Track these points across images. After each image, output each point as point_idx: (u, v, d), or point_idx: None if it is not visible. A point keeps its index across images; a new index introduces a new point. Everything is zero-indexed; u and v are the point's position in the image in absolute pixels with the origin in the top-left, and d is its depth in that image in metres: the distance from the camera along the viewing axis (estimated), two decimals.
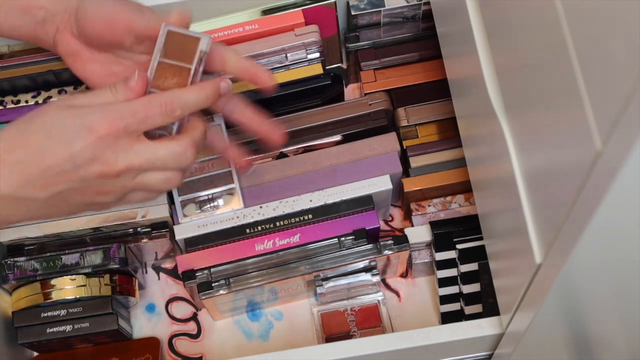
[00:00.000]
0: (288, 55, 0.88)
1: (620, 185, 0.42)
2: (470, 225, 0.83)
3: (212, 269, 0.82)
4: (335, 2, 0.89)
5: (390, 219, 0.95)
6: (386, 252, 0.82)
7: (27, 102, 0.86)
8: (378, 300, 0.89)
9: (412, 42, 0.93)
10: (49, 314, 0.83)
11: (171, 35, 0.70)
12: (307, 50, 0.88)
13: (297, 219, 0.84)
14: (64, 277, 0.83)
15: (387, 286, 0.92)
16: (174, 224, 0.84)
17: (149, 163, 0.65)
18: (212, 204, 0.84)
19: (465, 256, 0.83)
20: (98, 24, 0.72)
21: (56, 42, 0.76)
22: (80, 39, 0.74)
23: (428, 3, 0.89)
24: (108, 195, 0.66)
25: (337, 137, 0.87)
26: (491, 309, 0.80)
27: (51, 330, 0.83)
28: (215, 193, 0.84)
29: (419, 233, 0.85)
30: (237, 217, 0.83)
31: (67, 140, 0.63)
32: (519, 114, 0.60)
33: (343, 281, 0.86)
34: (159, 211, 0.84)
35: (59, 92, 0.87)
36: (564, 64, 0.47)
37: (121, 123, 0.64)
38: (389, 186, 0.84)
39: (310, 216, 0.84)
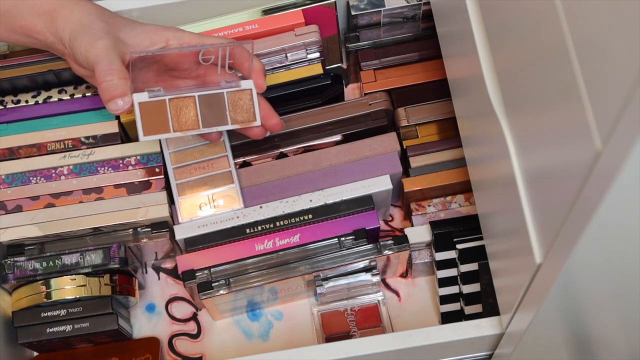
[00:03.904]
0: (288, 55, 0.88)
1: (620, 185, 0.42)
2: (470, 225, 0.83)
3: (212, 269, 0.82)
4: (335, 2, 0.89)
5: (390, 219, 0.95)
6: (386, 252, 0.82)
7: (27, 102, 0.86)
8: (378, 300, 0.89)
9: (412, 42, 0.93)
10: (49, 313, 0.83)
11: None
12: (307, 50, 0.88)
13: (297, 219, 0.84)
14: (64, 277, 0.83)
15: (387, 286, 0.92)
16: (174, 224, 0.84)
17: None
18: (212, 204, 0.84)
19: (465, 256, 0.83)
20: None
21: (69, 63, 0.77)
22: (85, 66, 0.75)
23: (428, 3, 0.89)
24: None
25: (337, 137, 0.87)
26: (491, 309, 0.80)
27: (51, 330, 0.83)
28: (215, 193, 0.84)
29: (419, 233, 0.84)
30: (237, 217, 0.83)
31: None
32: (519, 114, 0.60)
33: (343, 281, 0.86)
34: (159, 211, 0.84)
35: (59, 92, 0.87)
36: (564, 64, 0.47)
37: None
38: (389, 186, 0.84)
39: (310, 216, 0.84)
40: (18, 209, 0.83)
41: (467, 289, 0.84)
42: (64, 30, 0.74)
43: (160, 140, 0.85)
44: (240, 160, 0.86)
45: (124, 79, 0.72)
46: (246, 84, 0.78)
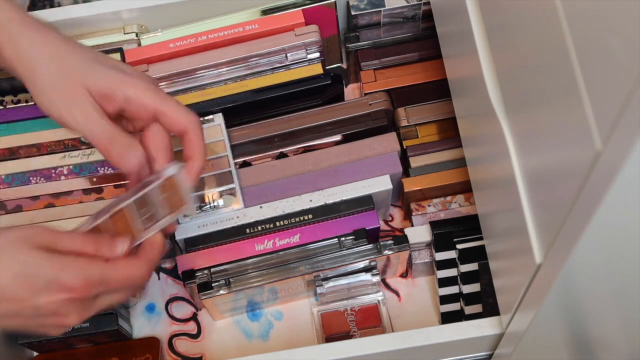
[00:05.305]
0: (288, 55, 0.88)
1: (620, 185, 0.42)
2: (470, 225, 0.83)
3: (212, 269, 0.82)
4: (335, 2, 0.89)
5: (390, 219, 0.95)
6: (386, 252, 0.82)
7: (27, 102, 0.86)
8: (378, 300, 0.89)
9: (412, 42, 0.93)
10: None
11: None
12: (307, 50, 0.88)
13: (297, 219, 0.84)
14: None
15: (387, 286, 0.92)
16: None
17: (103, 305, 0.67)
18: (212, 204, 0.84)
19: (465, 256, 0.83)
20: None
21: None
22: None
23: (428, 3, 0.89)
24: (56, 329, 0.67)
25: (337, 137, 0.87)
26: (491, 309, 0.80)
27: None
28: (215, 193, 0.84)
29: (419, 233, 0.85)
30: (237, 217, 0.83)
31: (35, 291, 0.62)
32: (519, 114, 0.60)
33: (343, 281, 0.86)
34: None
35: None
36: (564, 64, 0.47)
37: (94, 290, 0.64)
38: (389, 186, 0.84)
39: (310, 216, 0.84)
40: (18, 209, 0.83)
41: (467, 289, 0.84)
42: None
43: None
44: (240, 160, 0.86)
45: None
46: (169, 170, 0.71)
